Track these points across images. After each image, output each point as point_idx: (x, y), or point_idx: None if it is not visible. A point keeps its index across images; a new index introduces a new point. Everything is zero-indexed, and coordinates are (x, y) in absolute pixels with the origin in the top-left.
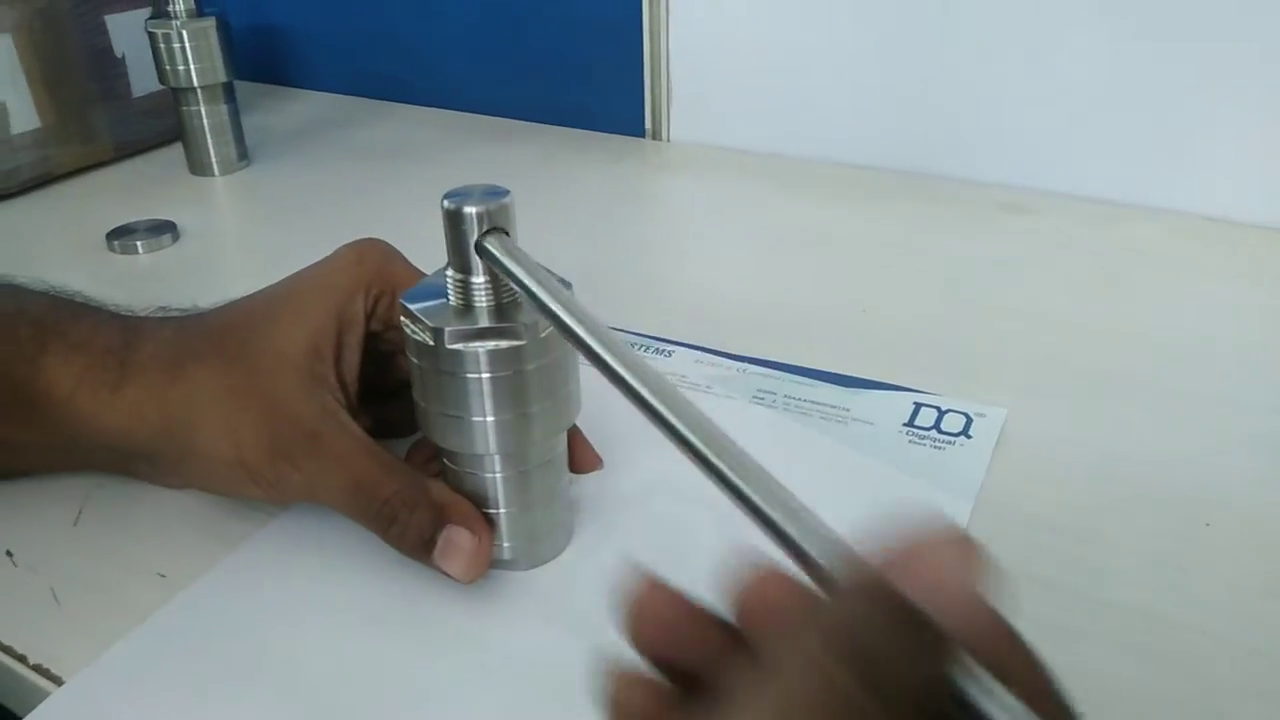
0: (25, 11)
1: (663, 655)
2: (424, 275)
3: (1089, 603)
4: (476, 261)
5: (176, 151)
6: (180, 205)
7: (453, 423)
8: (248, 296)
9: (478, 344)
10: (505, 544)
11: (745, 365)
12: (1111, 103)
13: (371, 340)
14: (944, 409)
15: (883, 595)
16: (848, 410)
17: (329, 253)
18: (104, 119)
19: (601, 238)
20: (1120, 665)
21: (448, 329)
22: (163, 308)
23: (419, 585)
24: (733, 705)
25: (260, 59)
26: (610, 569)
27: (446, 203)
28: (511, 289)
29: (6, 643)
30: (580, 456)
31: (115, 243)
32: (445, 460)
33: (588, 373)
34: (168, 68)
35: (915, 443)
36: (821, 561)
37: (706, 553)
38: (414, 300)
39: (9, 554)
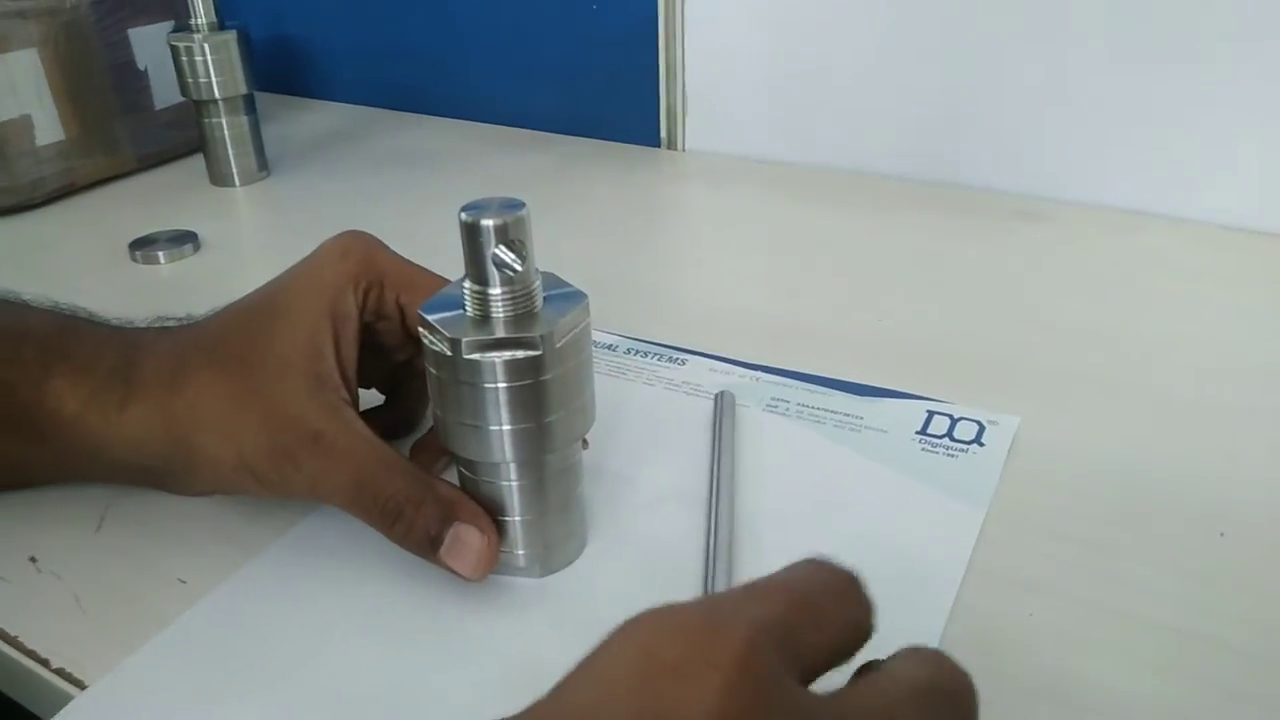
0: (50, 26)
1: None
2: (411, 264)
3: (1102, 612)
4: (494, 273)
5: (198, 162)
6: (201, 215)
7: (470, 431)
8: (239, 301)
9: (494, 354)
10: (520, 552)
11: (759, 373)
12: (1128, 112)
13: (367, 333)
14: (957, 417)
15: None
16: (861, 418)
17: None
18: (127, 131)
19: (617, 246)
20: (1134, 676)
21: (465, 339)
22: (160, 318)
23: (437, 592)
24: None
25: (280, 71)
26: (624, 577)
27: (464, 215)
28: (527, 300)
29: (30, 647)
30: None
31: (137, 253)
32: (461, 468)
33: (602, 383)
34: (189, 80)
35: (928, 451)
36: None
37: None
38: (432, 311)
39: (33, 560)
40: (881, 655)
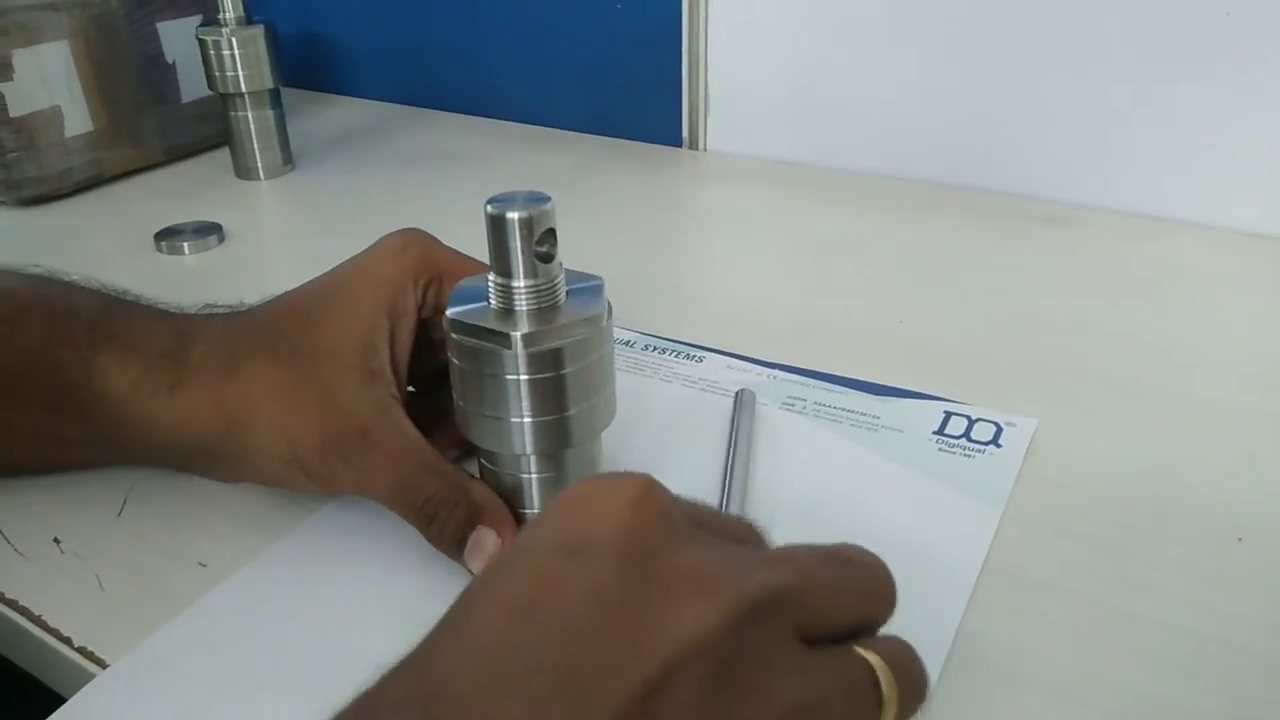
0: (80, 18)
1: None
2: (467, 257)
3: (1118, 615)
4: (518, 266)
5: (223, 156)
6: (226, 208)
7: (491, 423)
8: (294, 291)
9: (517, 346)
10: None
11: (776, 372)
12: (1150, 117)
13: (421, 328)
14: (974, 418)
15: None
16: (878, 418)
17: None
18: (154, 123)
19: (637, 245)
20: (1149, 679)
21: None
22: (209, 305)
23: (455, 581)
24: None
25: (306, 66)
26: None
27: (490, 208)
28: (551, 294)
29: (53, 625)
30: None
31: (163, 243)
32: (482, 459)
33: (621, 379)
34: (217, 74)
35: (945, 451)
36: None
37: None
38: (456, 303)
39: (56, 541)
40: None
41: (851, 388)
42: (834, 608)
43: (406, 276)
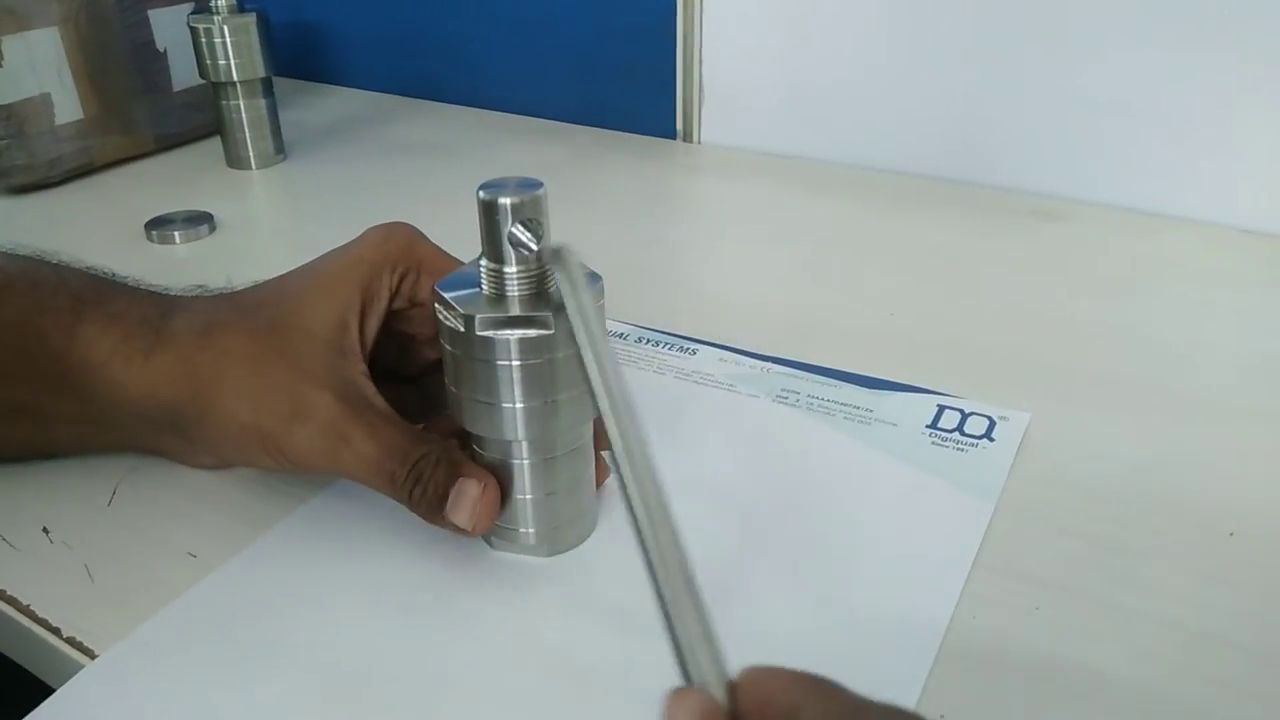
0: (71, 5)
1: None
2: (450, 257)
3: (1108, 608)
4: (509, 251)
5: (215, 145)
6: (217, 197)
7: (482, 408)
8: (280, 275)
9: (508, 331)
10: (530, 530)
11: (769, 364)
12: (1144, 112)
13: (395, 319)
14: (967, 412)
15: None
16: (871, 411)
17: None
18: (145, 111)
19: (631, 237)
20: (1140, 673)
21: (479, 316)
22: (200, 286)
23: (445, 569)
24: None
25: (298, 55)
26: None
27: (482, 193)
28: (542, 279)
29: (41, 615)
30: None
31: (153, 232)
32: (474, 445)
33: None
34: (208, 62)
35: (938, 444)
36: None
37: (730, 552)
38: (448, 288)
39: (45, 531)
40: (886, 645)
41: (845, 381)
42: None
43: (384, 261)
